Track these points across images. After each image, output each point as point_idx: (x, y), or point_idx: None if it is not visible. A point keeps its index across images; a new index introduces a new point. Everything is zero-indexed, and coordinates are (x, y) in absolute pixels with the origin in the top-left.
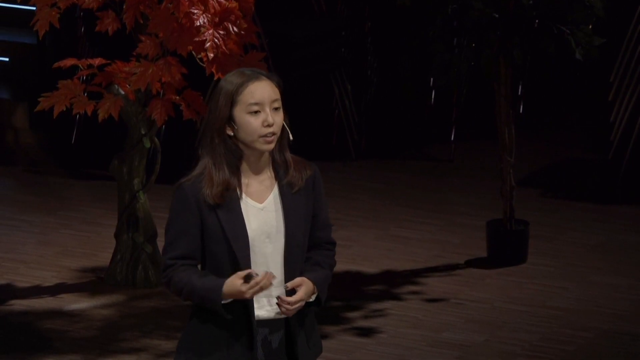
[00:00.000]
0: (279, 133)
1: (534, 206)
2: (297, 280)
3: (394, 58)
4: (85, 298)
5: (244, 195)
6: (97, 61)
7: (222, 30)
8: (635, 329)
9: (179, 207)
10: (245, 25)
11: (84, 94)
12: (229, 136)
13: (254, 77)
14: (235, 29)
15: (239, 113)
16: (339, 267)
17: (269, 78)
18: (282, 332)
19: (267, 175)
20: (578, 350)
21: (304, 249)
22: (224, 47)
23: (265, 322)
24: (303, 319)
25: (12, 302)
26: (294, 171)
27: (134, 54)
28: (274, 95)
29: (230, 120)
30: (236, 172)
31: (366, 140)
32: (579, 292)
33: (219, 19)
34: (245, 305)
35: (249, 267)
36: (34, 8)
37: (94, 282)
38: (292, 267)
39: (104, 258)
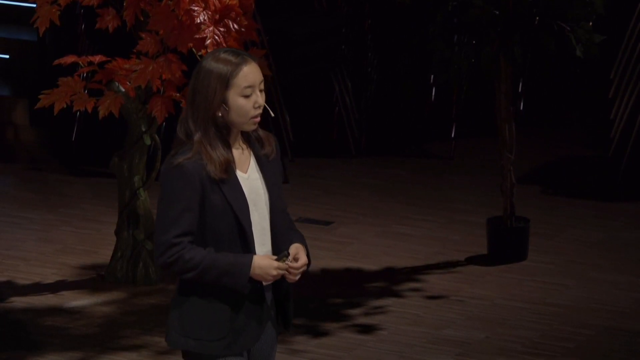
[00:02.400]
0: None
1: (535, 203)
2: (294, 248)
3: (394, 55)
4: (86, 295)
5: (236, 169)
6: (97, 58)
7: (223, 27)
8: (636, 326)
9: (182, 185)
10: (246, 23)
11: (84, 91)
12: (218, 117)
13: (245, 61)
14: (235, 26)
15: (233, 96)
16: (339, 264)
17: (254, 60)
18: (270, 290)
19: (244, 147)
20: (578, 347)
21: (286, 213)
22: (224, 44)
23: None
24: (285, 282)
25: (13, 299)
26: (267, 143)
27: (134, 51)
28: (261, 76)
29: (222, 102)
30: (230, 148)
31: (366, 138)
32: (579, 289)
33: (219, 16)
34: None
35: (253, 236)
36: (34, 5)
37: (94, 279)
38: (279, 232)
39: (104, 255)
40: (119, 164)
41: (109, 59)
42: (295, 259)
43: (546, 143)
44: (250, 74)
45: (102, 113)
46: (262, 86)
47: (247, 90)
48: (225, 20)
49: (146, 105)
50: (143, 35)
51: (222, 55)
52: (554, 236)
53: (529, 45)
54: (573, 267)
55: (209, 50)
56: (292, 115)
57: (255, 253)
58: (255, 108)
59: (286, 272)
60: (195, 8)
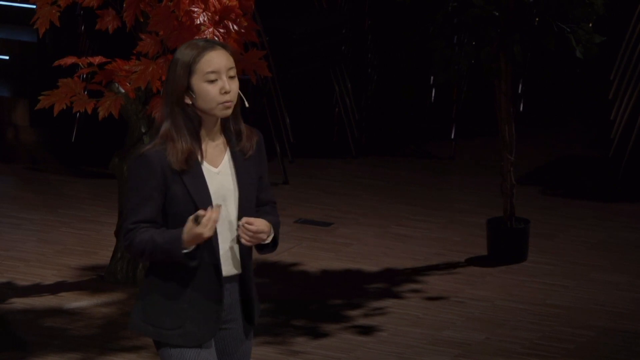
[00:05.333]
0: (235, 100)
1: (535, 204)
2: (253, 218)
3: (394, 55)
4: (86, 296)
5: (203, 161)
6: (97, 59)
7: (223, 28)
8: (636, 327)
9: (143, 173)
10: (246, 24)
11: (84, 92)
12: (187, 104)
13: (210, 47)
14: (235, 27)
15: (197, 82)
16: (339, 264)
17: (223, 47)
18: (237, 289)
19: (220, 141)
20: (578, 348)
21: (254, 210)
22: None
23: (226, 279)
24: (251, 279)
25: (12, 300)
26: (246, 139)
27: (135, 52)
28: (229, 63)
29: (188, 89)
30: (196, 139)
31: (366, 138)
32: (580, 290)
33: (219, 17)
34: (212, 261)
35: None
36: (34, 6)
37: (94, 280)
38: None
39: (104, 256)
40: (119, 164)
41: (109, 60)
42: (249, 223)
43: (546, 143)
44: (214, 59)
45: (102, 114)
46: (231, 72)
47: (211, 76)
48: (225, 21)
49: (146, 106)
50: (143, 36)
51: (190, 44)
52: (554, 237)
53: (529, 44)
54: (573, 268)
55: None
56: (292, 115)
57: (218, 246)
58: (222, 94)
59: (244, 231)
60: (195, 9)
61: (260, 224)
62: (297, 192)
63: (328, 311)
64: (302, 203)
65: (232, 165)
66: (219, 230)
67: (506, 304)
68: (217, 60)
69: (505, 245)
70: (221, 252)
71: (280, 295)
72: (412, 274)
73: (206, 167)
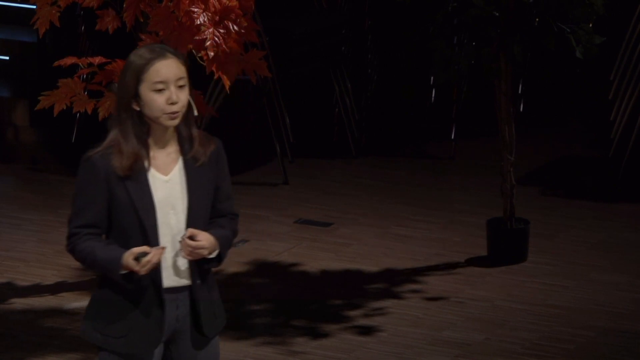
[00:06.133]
0: (183, 110)
1: (535, 204)
2: (197, 231)
3: (394, 55)
4: (86, 296)
5: (150, 168)
6: (97, 59)
7: (223, 28)
8: (636, 327)
9: (88, 178)
10: (246, 24)
11: (84, 92)
12: (136, 111)
13: (161, 55)
14: (235, 27)
15: (145, 90)
16: (339, 265)
17: (175, 56)
18: (187, 301)
19: (173, 149)
20: (578, 349)
21: (206, 220)
22: (224, 46)
23: (172, 290)
24: (207, 289)
25: (12, 300)
26: (199, 146)
27: None
28: (179, 73)
29: (136, 96)
30: (144, 145)
31: (366, 138)
32: (580, 290)
33: (219, 18)
34: (152, 276)
35: (156, 236)
36: (34, 7)
37: (94, 280)
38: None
39: None
40: None
41: (109, 60)
42: (191, 238)
43: (546, 143)
44: (162, 69)
45: (102, 114)
46: (181, 82)
47: (158, 85)
48: (226, 21)
49: None
50: (143, 37)
51: (142, 50)
52: (554, 237)
53: (529, 45)
54: (573, 268)
55: (209, 52)
56: (292, 115)
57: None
58: (169, 104)
59: (184, 245)
60: (195, 9)
61: (203, 239)
62: (297, 192)
63: (328, 311)
64: (302, 203)
65: (184, 174)
66: (165, 241)
67: (506, 304)
68: (166, 71)
69: (505, 246)
70: (167, 262)
71: (280, 295)
72: (412, 274)
73: (154, 175)
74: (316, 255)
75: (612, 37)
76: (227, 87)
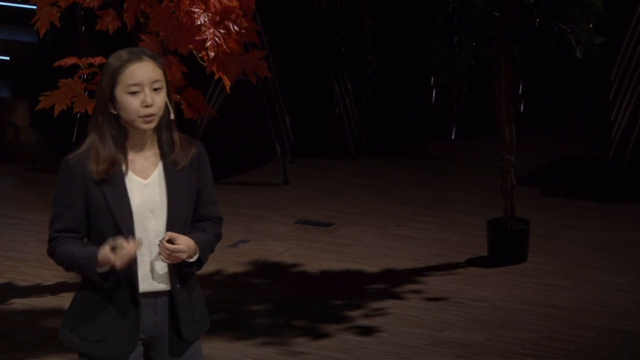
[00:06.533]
0: (159, 113)
1: (535, 204)
2: (177, 235)
3: (394, 55)
4: None
5: (129, 172)
6: (97, 60)
7: (223, 29)
8: (636, 327)
9: (65, 181)
10: (246, 24)
11: (84, 92)
12: (113, 114)
13: (136, 58)
14: (236, 27)
15: (120, 93)
16: (339, 265)
17: (152, 58)
18: (165, 307)
19: (153, 152)
20: (579, 349)
21: (187, 224)
22: (224, 46)
23: (149, 294)
24: (188, 293)
25: (13, 300)
26: (180, 150)
27: None
28: (155, 75)
29: (112, 99)
30: (121, 149)
31: (366, 138)
32: (580, 290)
33: (220, 18)
34: (129, 278)
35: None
36: (34, 7)
37: None
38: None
39: None
40: None
41: None
42: (171, 242)
43: (546, 144)
44: (137, 71)
45: None
46: (156, 85)
47: (133, 88)
48: (226, 21)
49: None
50: (143, 37)
51: (121, 52)
52: (554, 237)
53: (529, 45)
54: (573, 269)
55: (209, 52)
56: (292, 115)
57: (136, 261)
58: (143, 107)
59: (162, 249)
60: (196, 10)
61: (182, 242)
62: (297, 193)
63: (328, 312)
64: (302, 203)
65: (163, 178)
66: (143, 245)
67: (506, 305)
68: (140, 73)
69: (506, 246)
70: (145, 266)
71: (280, 295)
72: (412, 275)
73: (132, 179)
74: (316, 255)
75: (612, 37)
76: (227, 88)
